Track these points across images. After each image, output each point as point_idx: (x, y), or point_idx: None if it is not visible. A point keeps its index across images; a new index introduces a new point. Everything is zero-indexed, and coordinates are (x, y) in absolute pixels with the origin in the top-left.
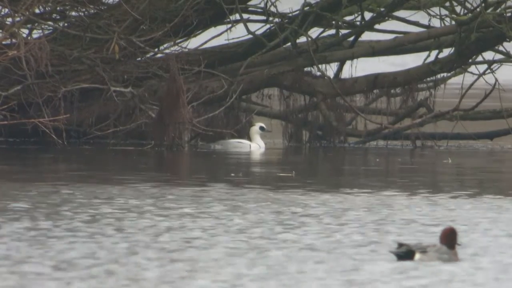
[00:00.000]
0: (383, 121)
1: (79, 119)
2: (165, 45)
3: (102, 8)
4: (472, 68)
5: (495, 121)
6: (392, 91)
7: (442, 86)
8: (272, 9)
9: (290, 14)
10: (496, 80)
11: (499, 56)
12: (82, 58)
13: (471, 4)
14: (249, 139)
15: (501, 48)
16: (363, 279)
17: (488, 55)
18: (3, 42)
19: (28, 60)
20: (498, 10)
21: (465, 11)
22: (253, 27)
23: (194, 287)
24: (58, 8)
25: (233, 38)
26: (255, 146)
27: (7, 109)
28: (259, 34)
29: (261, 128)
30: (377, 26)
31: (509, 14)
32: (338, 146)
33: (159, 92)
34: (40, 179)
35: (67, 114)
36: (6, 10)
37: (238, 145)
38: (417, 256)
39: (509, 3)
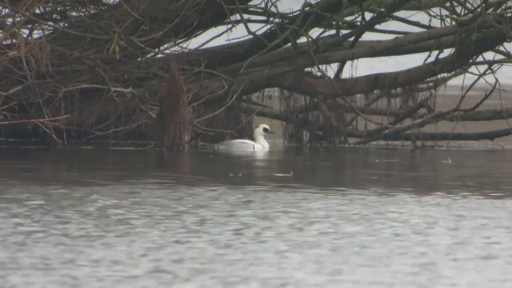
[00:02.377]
0: (383, 121)
1: (80, 119)
2: (165, 46)
3: (103, 8)
4: (473, 69)
5: (496, 121)
6: (393, 91)
7: (443, 86)
8: (273, 9)
9: (291, 15)
10: (497, 80)
11: (499, 57)
12: (82, 58)
13: (472, 5)
14: (251, 139)
15: (501, 48)
16: None
17: (489, 55)
18: (4, 43)
19: (29, 60)
20: (498, 11)
21: (466, 11)
22: (253, 27)
23: None
24: (58, 9)
25: (233, 39)
26: (259, 146)
27: (8, 109)
28: (259, 34)
29: (265, 130)
30: (377, 27)
31: (509, 15)
32: (338, 146)
33: (159, 92)
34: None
35: (67, 114)
36: (7, 10)
37: (242, 145)
38: None
39: (509, 4)
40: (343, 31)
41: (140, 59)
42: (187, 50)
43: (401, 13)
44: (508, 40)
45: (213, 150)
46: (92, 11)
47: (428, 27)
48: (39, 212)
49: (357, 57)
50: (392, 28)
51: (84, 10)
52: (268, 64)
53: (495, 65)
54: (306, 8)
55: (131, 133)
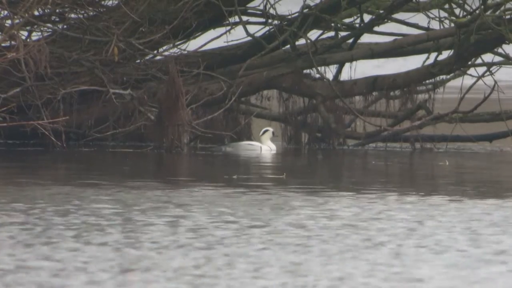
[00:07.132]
0: (382, 123)
1: (78, 121)
2: (164, 47)
3: (101, 10)
4: (471, 71)
5: (494, 123)
6: (392, 93)
7: (441, 88)
8: (271, 11)
9: (289, 16)
10: (496, 82)
11: (498, 58)
12: (81, 60)
13: (470, 6)
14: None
15: (500, 50)
16: None
17: (487, 57)
18: (2, 44)
19: (27, 62)
20: (497, 12)
21: (464, 13)
22: (252, 29)
23: None
24: (57, 11)
25: (232, 40)
26: (266, 148)
27: (6, 111)
28: (258, 36)
29: (272, 133)
30: (376, 28)
31: (508, 17)
32: (337, 148)
33: (158, 94)
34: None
35: (66, 116)
36: (5, 12)
37: (249, 147)
38: None
39: (508, 6)
40: (342, 33)
41: (138, 61)
42: (185, 52)
43: (399, 15)
44: (507, 42)
45: (215, 152)
46: (91, 13)
47: (427, 29)
48: (37, 213)
49: (356, 59)
50: (390, 30)
51: (82, 12)
52: (267, 66)
53: (494, 67)
54: (305, 10)
55: (130, 135)
